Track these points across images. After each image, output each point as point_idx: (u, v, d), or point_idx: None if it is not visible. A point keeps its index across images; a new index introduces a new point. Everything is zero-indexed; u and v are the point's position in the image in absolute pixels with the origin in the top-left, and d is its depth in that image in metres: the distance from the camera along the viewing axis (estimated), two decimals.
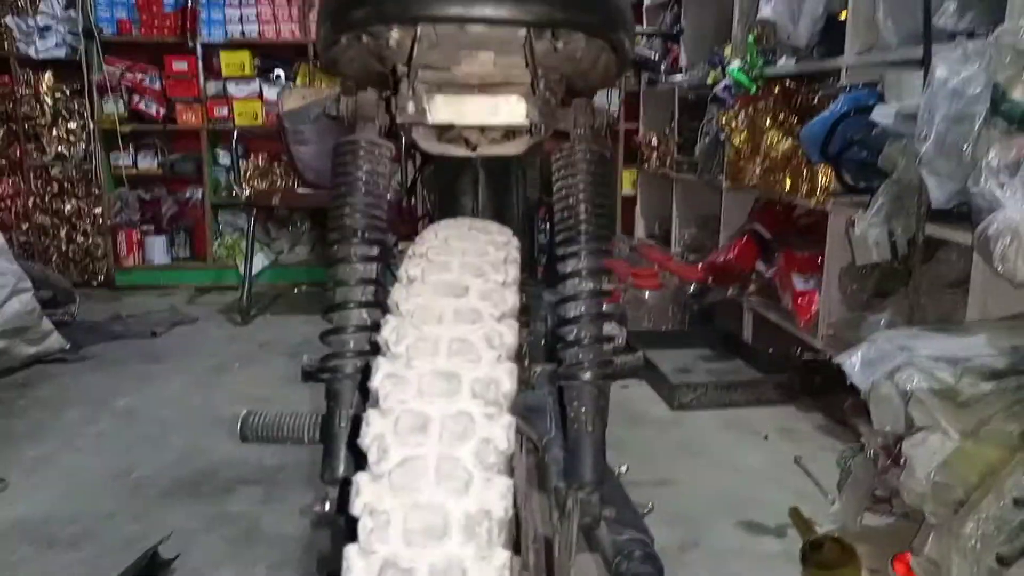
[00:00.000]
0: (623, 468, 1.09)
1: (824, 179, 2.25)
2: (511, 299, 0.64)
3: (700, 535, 1.63)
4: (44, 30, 3.83)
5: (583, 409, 0.82)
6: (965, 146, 1.56)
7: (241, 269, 3.63)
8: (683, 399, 2.34)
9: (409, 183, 1.42)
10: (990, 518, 1.24)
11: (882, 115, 1.84)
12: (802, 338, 2.44)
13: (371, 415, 0.54)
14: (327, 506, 0.76)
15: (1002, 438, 1.31)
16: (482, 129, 0.86)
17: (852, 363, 1.52)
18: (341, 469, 0.76)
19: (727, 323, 3.01)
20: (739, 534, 1.65)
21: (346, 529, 0.72)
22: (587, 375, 0.81)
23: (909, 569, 1.40)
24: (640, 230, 4.26)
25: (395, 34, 0.76)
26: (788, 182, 2.43)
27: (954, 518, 1.29)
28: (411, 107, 0.76)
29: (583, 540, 0.94)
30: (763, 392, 2.39)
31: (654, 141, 3.85)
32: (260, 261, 3.88)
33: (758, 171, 2.61)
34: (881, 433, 1.50)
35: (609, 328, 0.86)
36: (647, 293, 3.12)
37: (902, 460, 1.43)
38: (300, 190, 3.57)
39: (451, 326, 0.59)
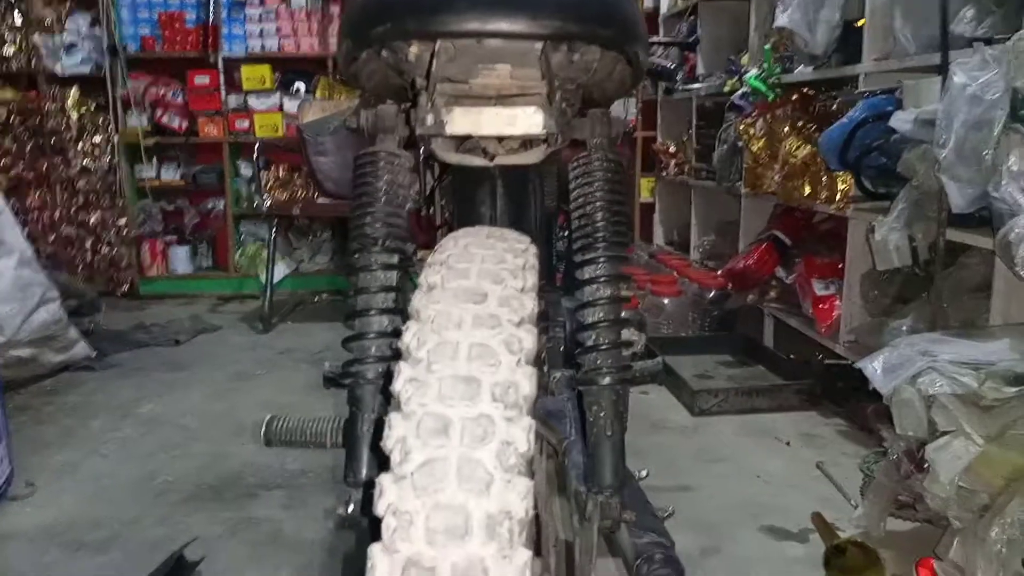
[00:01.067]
0: (643, 473, 1.10)
1: (843, 185, 2.24)
2: (529, 305, 0.65)
3: (722, 541, 1.63)
4: (70, 47, 3.92)
5: (602, 413, 0.82)
6: (985, 151, 1.55)
7: (263, 278, 3.67)
8: (704, 405, 2.33)
9: (427, 193, 1.44)
10: (1016, 523, 1.23)
11: (900, 121, 1.84)
12: (823, 343, 2.43)
13: (393, 418, 0.56)
14: (350, 508, 0.78)
15: None
16: (499, 139, 0.87)
17: (874, 368, 1.52)
18: (364, 472, 0.77)
19: (747, 329, 3.00)
20: (761, 540, 1.64)
21: (370, 529, 0.74)
22: (606, 379, 0.82)
23: (933, 574, 1.39)
24: (659, 237, 4.26)
25: (414, 49, 0.78)
26: (807, 188, 2.43)
27: (979, 523, 1.28)
28: (430, 119, 0.77)
29: (603, 543, 0.95)
30: (784, 398, 2.38)
31: (672, 149, 3.85)
32: (281, 270, 3.92)
33: (777, 177, 2.61)
34: (904, 438, 1.49)
35: (627, 334, 0.87)
36: (666, 300, 3.12)
37: (925, 465, 1.43)
38: (320, 200, 3.61)
39: (471, 331, 0.60)
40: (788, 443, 2.13)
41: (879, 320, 2.12)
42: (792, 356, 2.67)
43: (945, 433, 1.38)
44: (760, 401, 2.36)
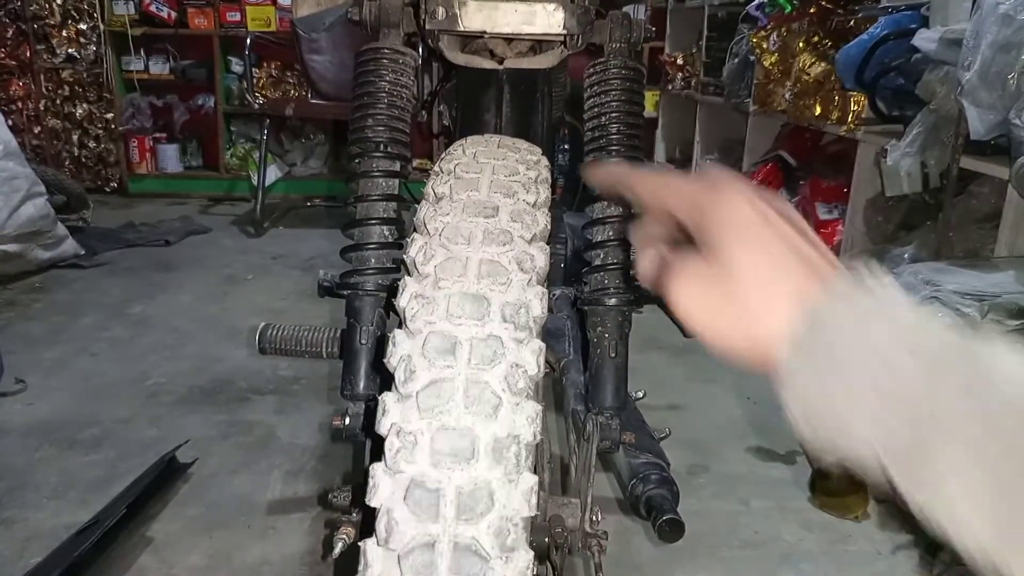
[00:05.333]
0: (640, 393, 1.09)
1: (856, 106, 2.17)
2: (542, 221, 0.62)
3: (710, 460, 1.65)
4: None
5: (607, 335, 0.81)
6: (1010, 76, 1.49)
7: (254, 180, 3.59)
8: None
9: (425, 97, 1.38)
10: None
11: (924, 40, 1.76)
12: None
13: (398, 335, 0.53)
14: (347, 420, 0.76)
15: None
16: (509, 40, 0.82)
17: None
18: (362, 385, 0.75)
19: None
20: (749, 460, 1.66)
21: (371, 447, 0.73)
22: (612, 300, 0.80)
23: None
24: (660, 154, 4.18)
25: None
26: (818, 108, 2.35)
27: None
28: (441, 12, 0.72)
29: (598, 461, 0.94)
30: None
31: (680, 61, 3.72)
32: (273, 173, 3.84)
33: (787, 95, 2.53)
34: None
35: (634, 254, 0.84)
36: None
37: None
38: (314, 101, 3.49)
39: (481, 247, 0.57)
40: None
41: (881, 247, 2.10)
42: None
43: None
44: None
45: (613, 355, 0.81)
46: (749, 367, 0.40)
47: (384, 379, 0.62)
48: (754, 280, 0.38)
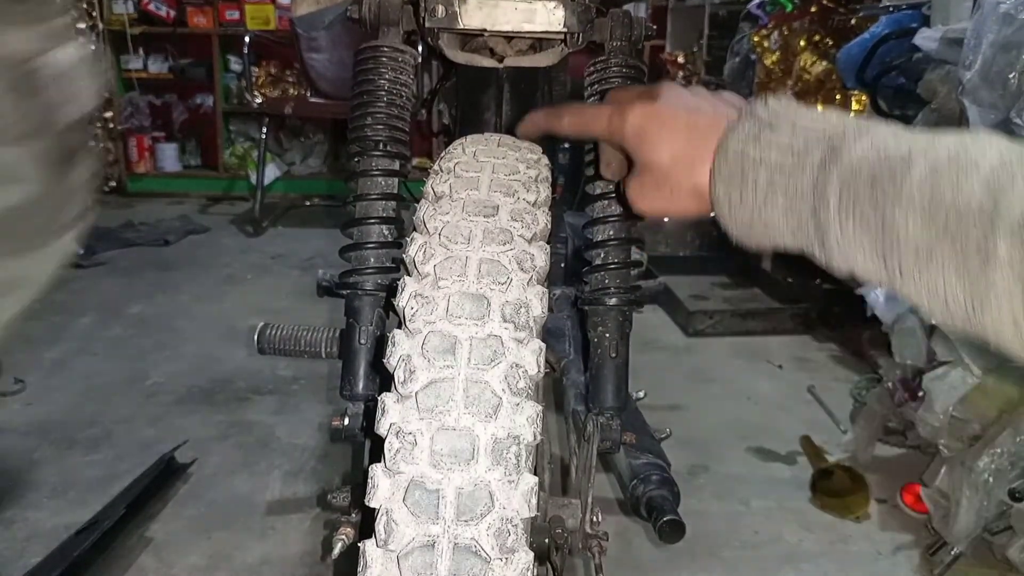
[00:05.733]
0: (641, 394, 1.08)
1: (857, 105, 2.17)
2: (543, 220, 0.61)
3: (710, 460, 1.64)
4: None
5: (607, 335, 0.80)
6: (1011, 75, 1.49)
7: (253, 179, 3.59)
8: (698, 326, 2.33)
9: (425, 96, 1.37)
10: (1005, 453, 1.24)
11: (925, 39, 1.75)
12: (822, 268, 2.40)
13: (397, 335, 0.53)
14: (346, 421, 0.76)
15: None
16: (509, 39, 0.81)
17: (876, 296, 1.50)
18: (361, 385, 0.75)
19: (746, 251, 2.97)
20: (749, 460, 1.66)
21: (370, 447, 0.72)
22: (613, 300, 0.79)
23: (918, 500, 1.41)
24: None
25: None
26: (819, 106, 2.35)
27: (968, 452, 1.29)
28: (441, 10, 0.71)
29: (598, 462, 0.94)
30: (779, 321, 2.38)
31: (681, 59, 3.71)
32: (272, 172, 3.83)
33: (789, 94, 2.52)
34: (901, 366, 1.49)
35: (635, 253, 0.83)
36: (666, 218, 3.07)
37: (920, 393, 1.43)
38: (313, 100, 3.49)
39: (480, 246, 0.56)
40: (780, 366, 2.14)
41: None
42: (790, 280, 2.65)
43: (944, 363, 1.38)
44: (754, 324, 2.36)
45: (614, 355, 0.80)
46: (702, 215, 0.53)
47: (383, 379, 0.61)
48: (669, 161, 0.51)
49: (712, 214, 0.51)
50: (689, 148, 0.50)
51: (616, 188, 0.56)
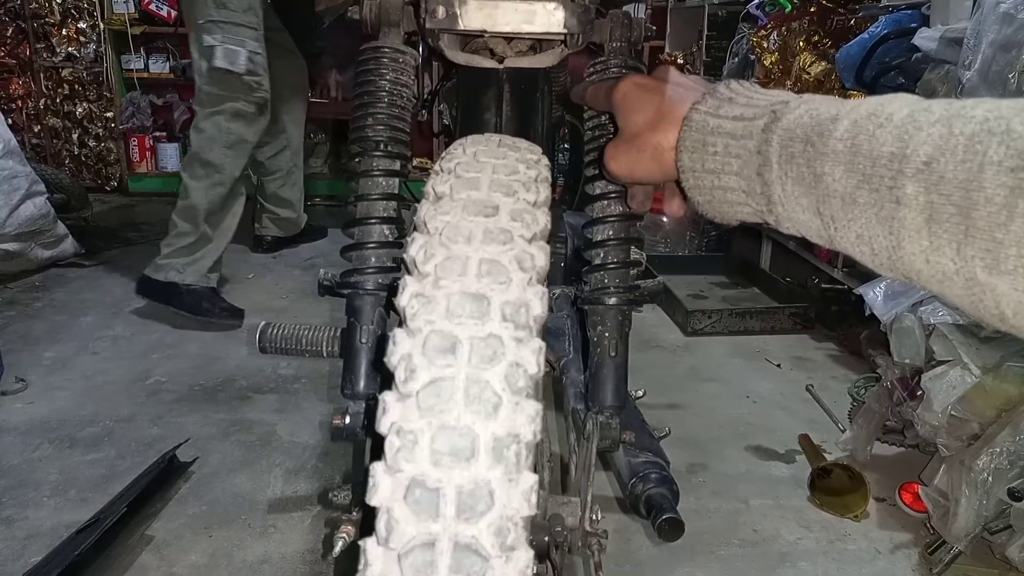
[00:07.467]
0: (640, 392, 1.09)
1: None
2: (542, 220, 0.61)
3: (709, 459, 1.65)
4: None
5: (607, 334, 0.81)
6: (1011, 75, 1.49)
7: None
8: (697, 325, 2.33)
9: (425, 97, 1.38)
10: (1004, 452, 1.25)
11: (925, 39, 1.75)
12: (821, 267, 2.41)
13: (398, 334, 0.53)
14: (347, 419, 0.76)
15: (1022, 375, 1.30)
16: (509, 39, 0.82)
17: (875, 295, 1.50)
18: (362, 384, 0.75)
19: (744, 251, 2.97)
20: (748, 459, 1.67)
21: (371, 446, 0.73)
22: (612, 299, 0.80)
23: (916, 499, 1.41)
24: None
25: None
26: None
27: (967, 451, 1.30)
28: (442, 11, 0.71)
29: (598, 460, 0.95)
30: (778, 320, 2.38)
31: (680, 60, 3.72)
32: None
33: None
34: (899, 365, 1.49)
35: (634, 253, 0.84)
36: (665, 217, 3.08)
37: (918, 392, 1.43)
38: (312, 99, 3.49)
39: (481, 246, 0.57)
40: (779, 365, 2.14)
41: None
42: (788, 279, 2.66)
43: (943, 362, 1.38)
44: (753, 323, 2.36)
45: (613, 354, 0.81)
46: (666, 178, 0.58)
47: (384, 378, 0.62)
48: (641, 124, 0.57)
49: (676, 181, 0.56)
50: (658, 114, 0.56)
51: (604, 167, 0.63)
